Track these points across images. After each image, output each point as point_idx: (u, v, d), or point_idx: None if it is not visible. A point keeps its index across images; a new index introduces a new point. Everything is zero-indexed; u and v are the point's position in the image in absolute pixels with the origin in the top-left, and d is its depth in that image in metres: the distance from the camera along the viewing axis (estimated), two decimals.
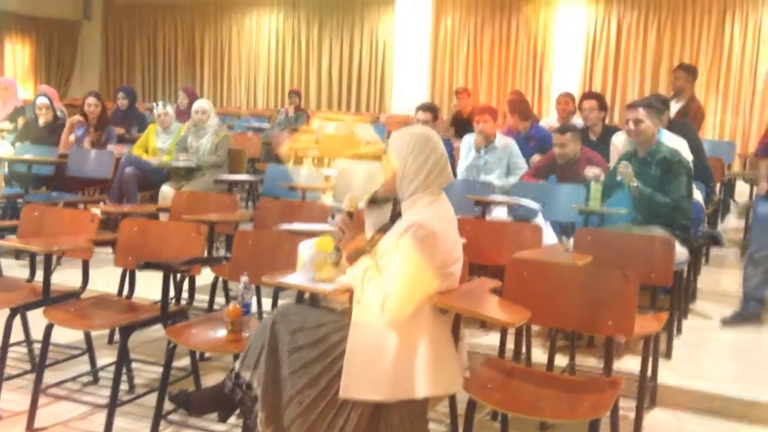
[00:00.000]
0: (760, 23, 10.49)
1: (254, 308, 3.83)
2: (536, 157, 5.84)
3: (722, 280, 5.46)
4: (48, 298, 3.40)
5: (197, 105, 6.39)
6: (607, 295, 2.87)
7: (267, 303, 4.28)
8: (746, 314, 4.62)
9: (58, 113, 7.18)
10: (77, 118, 6.74)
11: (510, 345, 3.38)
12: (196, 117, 6.28)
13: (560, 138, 5.10)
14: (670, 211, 4.21)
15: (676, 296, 4.12)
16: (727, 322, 4.62)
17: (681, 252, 4.07)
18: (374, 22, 13.04)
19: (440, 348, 2.50)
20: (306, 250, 2.79)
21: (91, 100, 6.81)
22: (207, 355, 3.95)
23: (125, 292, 3.84)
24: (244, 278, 3.11)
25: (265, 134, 8.70)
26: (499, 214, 5.08)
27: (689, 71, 6.50)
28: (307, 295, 2.98)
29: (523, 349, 3.31)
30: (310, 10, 13.52)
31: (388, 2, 12.54)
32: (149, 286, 3.74)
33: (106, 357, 3.81)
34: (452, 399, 2.87)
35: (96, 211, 4.04)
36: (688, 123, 5.70)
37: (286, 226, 3.87)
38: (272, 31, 13.94)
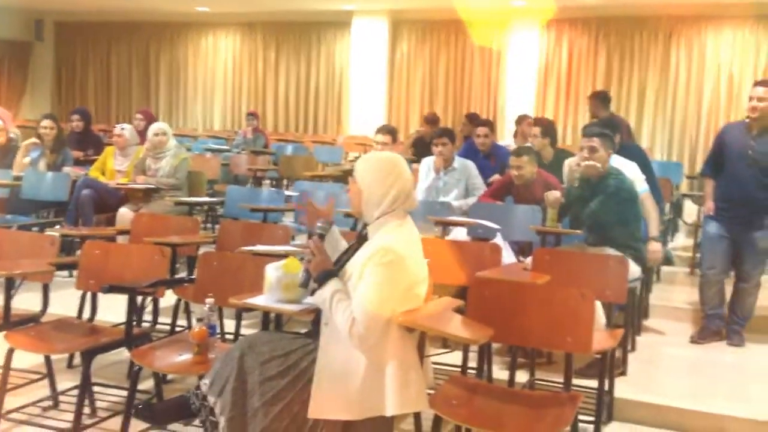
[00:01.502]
0: (704, 48, 10.94)
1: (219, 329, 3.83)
2: (497, 177, 5.98)
3: (673, 297, 5.63)
4: (8, 323, 3.35)
5: (155, 127, 6.35)
6: (565, 312, 2.96)
7: (230, 324, 4.27)
8: (711, 331, 4.79)
9: (12, 135, 7.07)
10: (32, 141, 6.65)
11: (471, 363, 3.45)
12: (155, 139, 6.24)
13: (517, 161, 5.23)
14: (620, 233, 4.36)
15: (630, 313, 4.25)
16: (696, 339, 4.77)
17: (634, 269, 4.21)
18: (331, 44, 13.17)
19: (407, 366, 2.55)
20: (273, 272, 2.82)
21: (46, 122, 6.71)
22: (170, 377, 3.92)
23: (85, 315, 3.81)
24: (209, 300, 3.12)
25: (223, 156, 8.68)
26: (458, 234, 5.17)
27: (601, 97, 6.93)
28: (272, 316, 3.00)
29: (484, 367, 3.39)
30: (267, 33, 13.58)
31: (345, 26, 12.69)
32: (108, 309, 3.72)
33: (66, 381, 3.76)
34: (417, 416, 2.92)
35: (55, 234, 4.00)
36: (637, 147, 5.91)
37: (249, 248, 3.89)
38: (229, 52, 13.94)
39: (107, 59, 14.79)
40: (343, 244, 2.86)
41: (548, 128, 6.06)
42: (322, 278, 2.59)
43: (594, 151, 4.36)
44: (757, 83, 4.71)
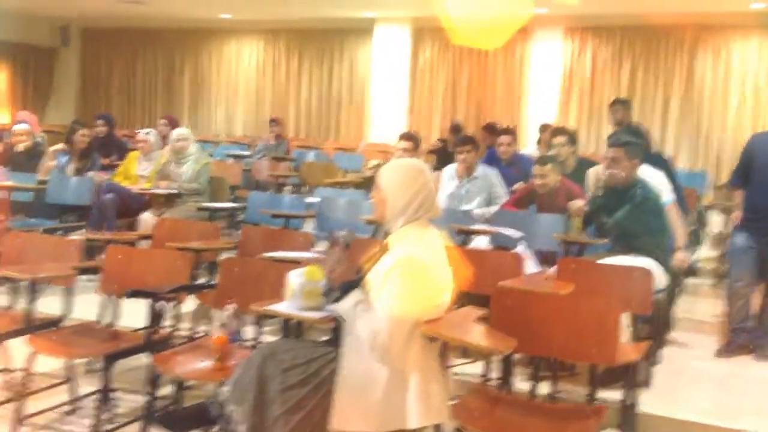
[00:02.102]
0: (730, 58, 10.81)
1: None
2: (520, 185, 5.93)
3: (698, 309, 5.54)
4: (31, 326, 3.36)
5: (176, 133, 6.40)
6: (590, 323, 2.92)
7: (251, 331, 4.26)
8: (738, 344, 4.70)
9: (38, 139, 7.15)
10: (59, 146, 6.71)
11: (493, 373, 3.41)
12: (176, 145, 6.28)
13: (541, 169, 5.19)
14: (646, 243, 4.29)
15: (655, 325, 4.18)
16: (721, 352, 4.69)
17: (661, 278, 4.14)
18: (353, 51, 13.18)
19: (430, 377, 2.52)
20: (295, 278, 2.81)
21: (84, 131, 6.73)
22: (190, 383, 3.91)
23: (108, 319, 3.81)
24: (230, 306, 3.11)
25: (245, 162, 8.71)
26: (479, 243, 5.13)
27: (625, 104, 6.95)
28: (293, 323, 2.99)
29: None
30: (290, 40, 13.64)
31: (367, 33, 12.70)
32: (129, 314, 3.72)
33: (86, 386, 3.76)
34: (437, 427, 2.88)
35: (79, 237, 4.02)
36: (663, 156, 5.84)
37: (270, 254, 3.88)
38: (252, 59, 14.01)
39: (132, 65, 14.92)
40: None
41: (573, 137, 6.01)
42: (345, 289, 2.56)
43: (616, 161, 4.32)
44: None
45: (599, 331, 2.89)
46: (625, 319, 3.64)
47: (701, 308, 5.58)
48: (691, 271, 5.56)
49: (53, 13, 13.99)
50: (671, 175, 5.37)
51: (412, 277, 2.48)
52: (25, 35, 14.21)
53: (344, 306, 2.56)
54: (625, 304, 3.61)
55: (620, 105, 6.91)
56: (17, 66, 14.37)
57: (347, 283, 2.59)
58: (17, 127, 6.88)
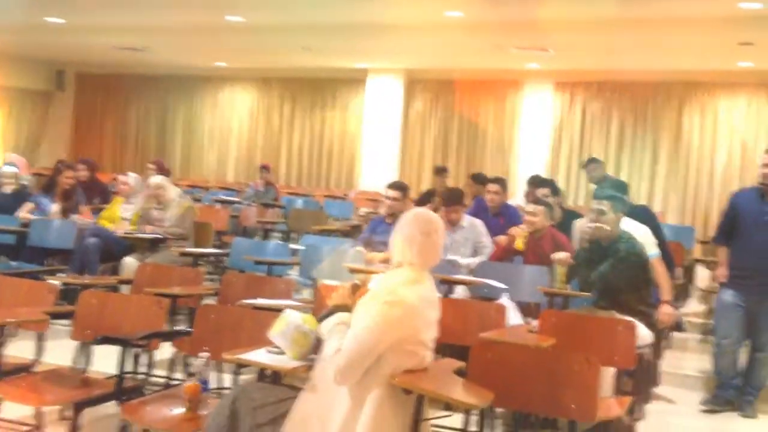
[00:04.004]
0: (717, 114, 10.97)
1: (215, 384, 3.75)
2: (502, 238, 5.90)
3: (684, 365, 5.48)
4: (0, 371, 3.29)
5: (152, 182, 6.36)
6: (569, 378, 2.87)
7: (228, 379, 4.18)
8: (725, 399, 4.66)
9: (24, 182, 7.12)
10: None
11: (473, 427, 3.34)
12: (154, 193, 6.26)
13: (534, 208, 5.23)
14: (631, 297, 4.26)
15: (639, 380, 4.12)
16: (707, 403, 4.63)
17: (645, 335, 4.10)
18: (346, 101, 13.31)
19: (385, 425, 2.47)
20: (294, 316, 2.77)
21: (69, 173, 6.75)
22: None
23: (80, 365, 3.74)
24: (204, 354, 3.05)
25: (233, 207, 8.69)
26: (459, 293, 5.09)
27: (600, 163, 7.37)
28: (269, 372, 2.93)
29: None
30: (283, 87, 13.77)
31: (360, 83, 12.84)
32: (106, 358, 3.64)
33: None
34: None
35: (55, 282, 3.96)
36: (649, 210, 5.86)
37: (249, 301, 3.83)
38: (245, 106, 14.12)
39: (125, 110, 15.01)
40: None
41: (556, 188, 6.04)
42: (334, 311, 2.64)
43: (602, 213, 4.32)
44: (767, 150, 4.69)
45: (578, 386, 2.84)
46: (607, 374, 3.59)
47: (688, 363, 5.52)
48: (678, 325, 5.51)
49: (50, 57, 14.13)
50: (657, 229, 5.37)
51: (391, 307, 2.50)
52: (20, 79, 14.33)
53: (326, 324, 2.60)
54: (608, 358, 3.56)
55: (596, 163, 7.18)
56: (12, 109, 14.47)
57: (339, 307, 2.64)
58: (5, 170, 6.87)
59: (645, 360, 4.25)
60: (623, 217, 4.49)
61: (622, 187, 5.16)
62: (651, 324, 4.32)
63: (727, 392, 4.66)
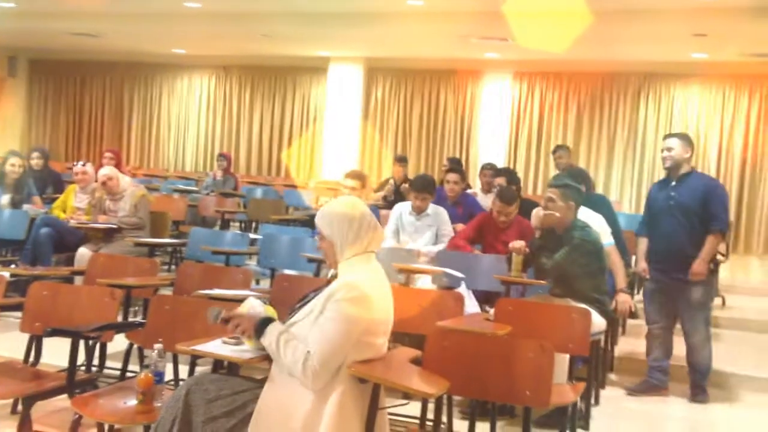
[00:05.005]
0: (672, 104, 11.17)
1: (171, 376, 3.70)
2: (459, 226, 5.93)
3: (639, 351, 5.57)
4: None
5: (101, 173, 6.18)
6: (524, 365, 2.90)
7: (184, 371, 4.13)
8: (651, 384, 4.74)
9: None
10: None
11: (430, 414, 3.36)
12: (106, 185, 6.10)
13: (506, 208, 5.23)
14: (585, 285, 4.31)
15: (593, 366, 4.19)
16: (633, 390, 4.72)
17: (599, 322, 4.16)
18: (306, 89, 13.23)
19: (349, 415, 2.47)
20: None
21: (14, 160, 6.60)
22: (117, 427, 3.76)
23: (32, 358, 3.66)
24: (157, 345, 3.00)
25: (191, 197, 8.58)
26: (425, 282, 5.10)
27: (566, 150, 7.47)
28: (225, 363, 2.90)
29: (445, 419, 3.29)
30: (242, 75, 13.62)
31: (321, 71, 12.76)
32: (59, 352, 3.56)
33: (8, 428, 3.58)
34: None
35: (5, 273, 3.87)
36: (605, 199, 5.95)
37: (205, 292, 3.79)
38: (203, 94, 13.95)
39: (80, 98, 14.72)
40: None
41: (514, 176, 6.08)
42: (261, 326, 2.56)
43: (551, 201, 4.37)
44: (666, 136, 4.97)
45: (533, 373, 2.86)
46: (562, 361, 3.64)
47: (642, 349, 5.60)
48: (632, 312, 5.61)
49: (1, 43, 13.74)
50: (612, 218, 5.44)
51: (352, 303, 2.49)
52: None
53: (268, 339, 2.54)
54: (563, 345, 3.61)
55: (563, 151, 7.20)
56: None
57: (261, 321, 2.57)
58: None
59: (599, 347, 4.32)
60: (580, 206, 4.53)
61: (581, 177, 5.21)
62: (605, 311, 4.38)
63: (654, 376, 4.75)
